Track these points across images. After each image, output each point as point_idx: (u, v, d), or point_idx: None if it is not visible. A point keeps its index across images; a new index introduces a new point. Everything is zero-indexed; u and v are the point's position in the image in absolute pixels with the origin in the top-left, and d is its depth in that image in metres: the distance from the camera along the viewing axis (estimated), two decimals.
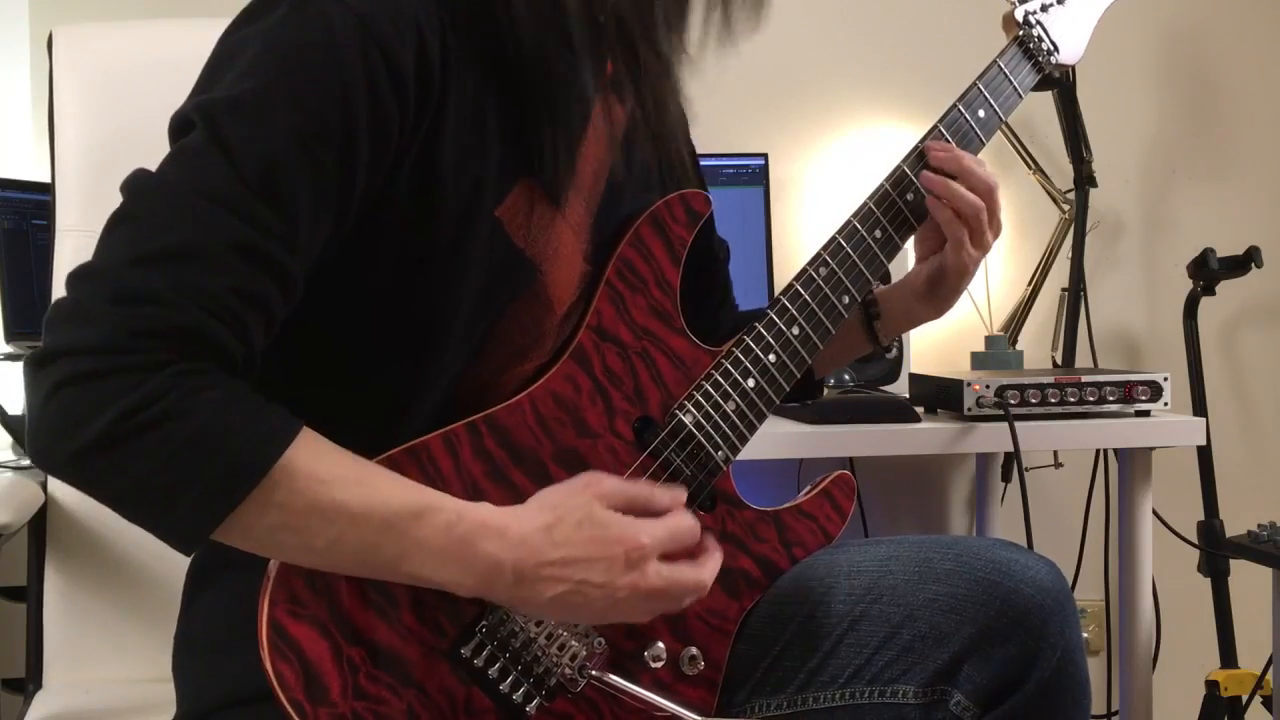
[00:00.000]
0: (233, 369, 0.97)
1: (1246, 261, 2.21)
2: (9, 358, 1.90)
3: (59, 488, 1.65)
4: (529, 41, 1.08)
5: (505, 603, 1.06)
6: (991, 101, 1.34)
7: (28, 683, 1.67)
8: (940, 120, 1.32)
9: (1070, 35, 1.41)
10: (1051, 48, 1.39)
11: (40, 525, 1.68)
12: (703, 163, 2.27)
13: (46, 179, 1.68)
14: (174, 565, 1.17)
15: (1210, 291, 2.29)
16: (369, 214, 1.04)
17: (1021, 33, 1.37)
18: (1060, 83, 2.28)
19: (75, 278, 0.95)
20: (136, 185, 0.98)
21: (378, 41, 1.00)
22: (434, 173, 1.05)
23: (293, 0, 1.01)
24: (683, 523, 1.10)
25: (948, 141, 1.30)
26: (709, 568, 1.11)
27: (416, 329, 1.09)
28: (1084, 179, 2.38)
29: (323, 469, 0.98)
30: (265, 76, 0.98)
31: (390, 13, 1.01)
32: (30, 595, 1.68)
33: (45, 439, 0.93)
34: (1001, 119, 1.35)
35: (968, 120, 1.32)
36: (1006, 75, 1.35)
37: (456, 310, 1.09)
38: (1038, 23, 1.38)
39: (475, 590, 1.03)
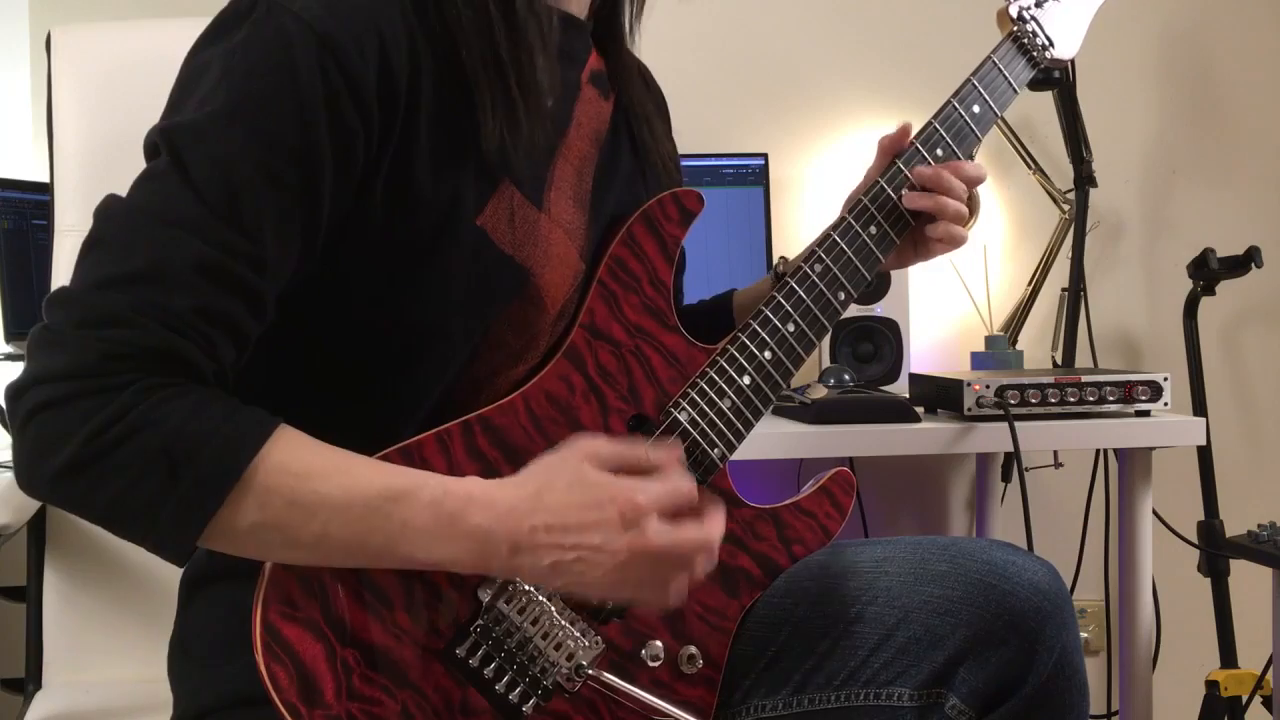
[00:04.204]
0: (203, 382, 0.98)
1: (1246, 261, 2.21)
2: (9, 358, 1.90)
3: None
4: (475, 36, 1.08)
5: (506, 574, 1.05)
6: (986, 97, 1.34)
7: (28, 683, 1.67)
8: (934, 116, 1.32)
9: (1066, 29, 1.41)
10: (1046, 42, 1.39)
11: (40, 525, 1.69)
12: (702, 163, 2.31)
13: (46, 179, 1.69)
14: (173, 566, 1.17)
15: (1210, 291, 2.29)
16: (347, 230, 1.05)
17: (1016, 28, 1.37)
18: (1060, 83, 2.28)
19: (48, 304, 0.97)
20: (105, 211, 1.00)
21: (337, 59, 1.00)
22: (410, 187, 1.06)
23: (254, 19, 1.01)
24: (680, 482, 1.06)
25: (942, 136, 1.31)
26: (714, 527, 1.07)
27: (408, 340, 1.09)
28: (1084, 179, 2.38)
29: (299, 463, 0.98)
30: (225, 100, 0.99)
31: (351, 28, 1.01)
32: (30, 595, 1.69)
33: (25, 466, 0.95)
34: (997, 114, 1.35)
35: (962, 116, 1.32)
36: (1001, 70, 1.35)
37: (447, 321, 1.09)
38: (1032, 18, 1.38)
39: (473, 566, 1.02)
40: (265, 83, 0.99)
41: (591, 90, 1.22)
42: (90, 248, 0.98)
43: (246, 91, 0.99)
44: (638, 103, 1.29)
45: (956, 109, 1.32)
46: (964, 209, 1.30)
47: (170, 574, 1.11)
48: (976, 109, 1.33)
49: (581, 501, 1.02)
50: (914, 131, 1.32)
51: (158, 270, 0.96)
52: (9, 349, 1.93)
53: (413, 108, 1.05)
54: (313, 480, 0.98)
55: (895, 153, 1.32)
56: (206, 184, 0.97)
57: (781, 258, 1.28)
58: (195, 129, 0.99)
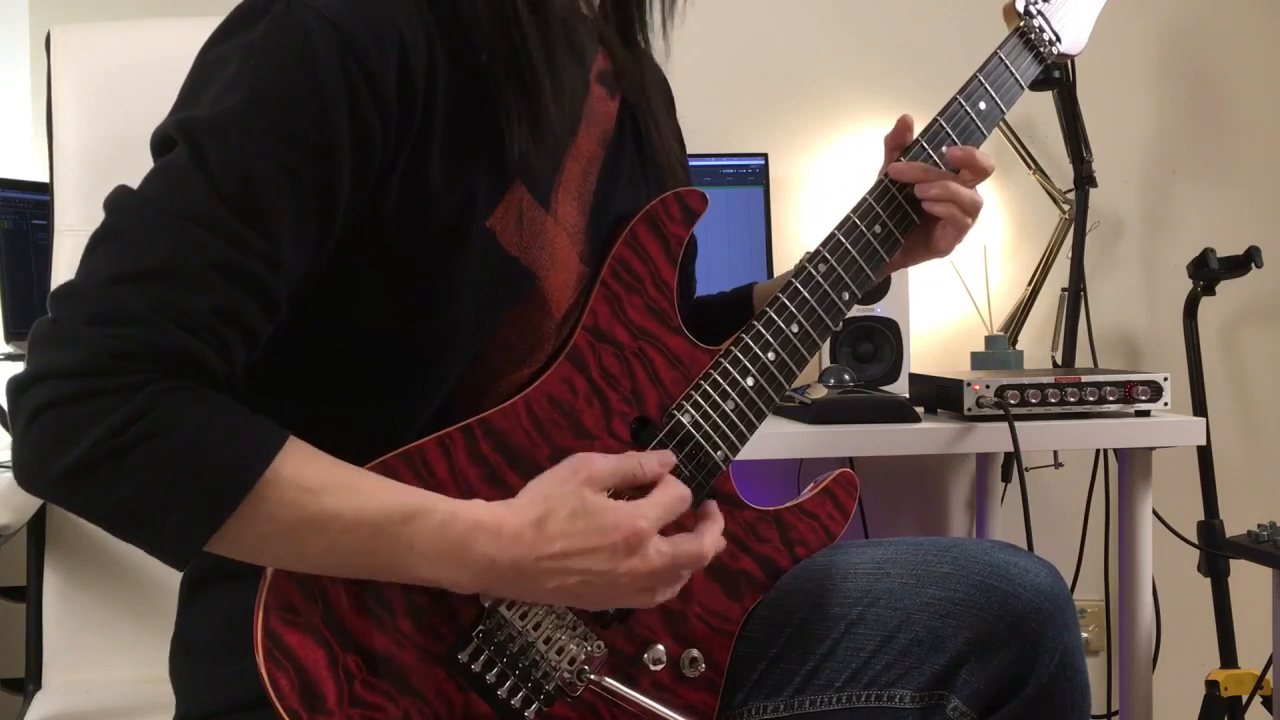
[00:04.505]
0: (216, 386, 0.97)
1: (1246, 261, 2.21)
2: (9, 358, 1.90)
3: None
4: (497, 38, 1.07)
5: (507, 597, 1.06)
6: (992, 93, 1.33)
7: (27, 683, 1.67)
8: (940, 113, 1.31)
9: (1073, 25, 1.39)
10: (1053, 37, 1.38)
11: (40, 525, 1.68)
12: (702, 163, 2.31)
13: (46, 179, 1.69)
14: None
15: (1210, 291, 2.29)
16: (360, 230, 1.04)
17: (1022, 23, 1.36)
18: (1060, 83, 2.28)
19: (56, 298, 0.95)
20: (118, 203, 0.98)
21: (358, 57, 0.99)
22: (424, 188, 1.05)
23: (273, 15, 1.00)
24: (674, 492, 1.10)
25: (948, 133, 1.30)
26: (709, 536, 1.12)
27: (416, 341, 1.08)
28: (1084, 179, 2.38)
29: (311, 477, 0.98)
30: (245, 95, 0.98)
31: (372, 26, 1.00)
32: (30, 595, 1.69)
33: (29, 463, 0.93)
34: (1003, 110, 1.34)
35: (968, 112, 1.31)
36: (1007, 66, 1.34)
37: (454, 323, 1.09)
38: (1039, 13, 1.37)
39: (474, 587, 1.03)
40: (285, 79, 0.98)
41: (599, 89, 1.22)
42: (101, 240, 0.97)
43: (266, 87, 0.98)
44: (646, 99, 1.28)
45: (963, 106, 1.31)
46: (977, 196, 1.29)
47: (171, 574, 1.11)
48: (983, 105, 1.32)
49: (585, 529, 1.04)
50: (919, 128, 1.31)
51: (175, 268, 0.94)
52: (9, 349, 1.93)
53: (429, 107, 1.04)
54: (323, 496, 0.97)
55: (898, 147, 1.31)
56: (225, 180, 0.96)
57: (808, 251, 1.27)
58: (213, 123, 0.97)
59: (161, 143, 1.00)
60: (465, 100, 1.07)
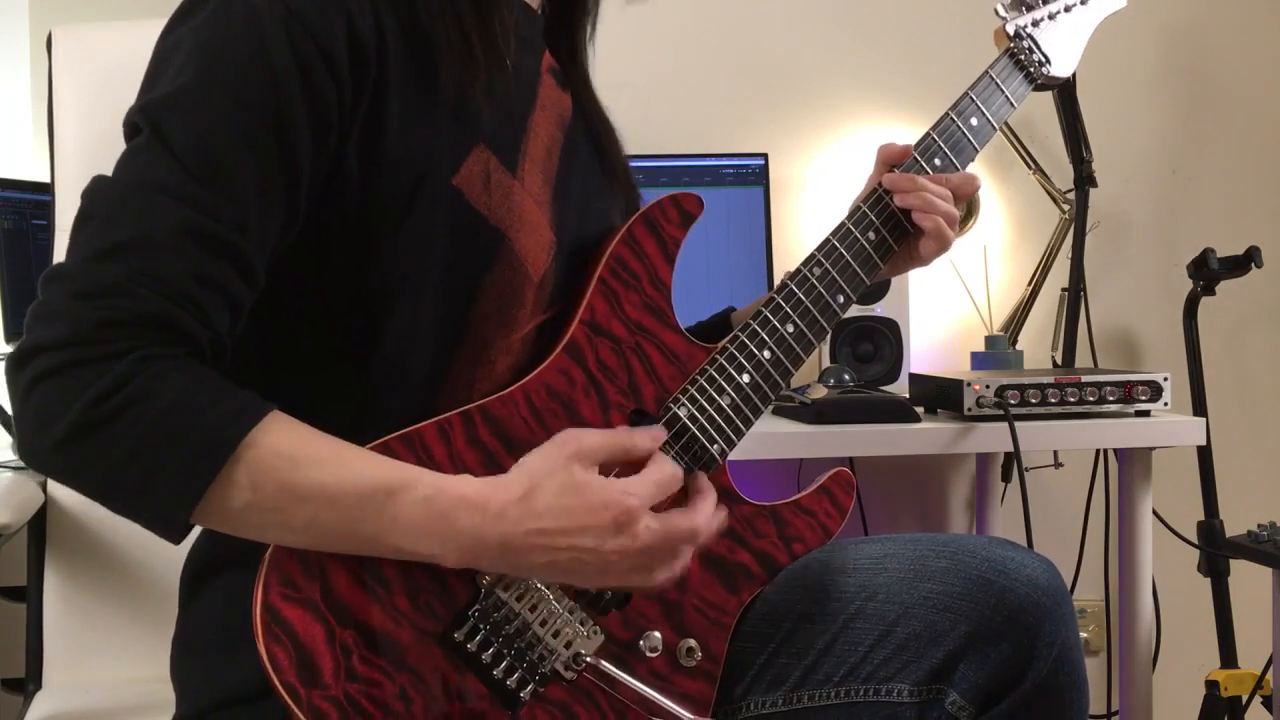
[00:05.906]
0: (200, 354, 0.99)
1: (1246, 261, 2.21)
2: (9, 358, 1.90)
3: (58, 488, 1.66)
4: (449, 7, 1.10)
5: (497, 571, 1.06)
6: (984, 110, 1.35)
7: (27, 683, 1.67)
8: (933, 128, 1.34)
9: (1063, 48, 1.42)
10: (1043, 59, 1.41)
11: (40, 525, 1.68)
12: (702, 163, 2.31)
13: (46, 179, 1.69)
14: (173, 565, 1.17)
15: (1210, 291, 2.29)
16: (325, 197, 1.06)
17: (1012, 45, 1.39)
18: (1060, 83, 2.29)
19: (44, 280, 0.99)
20: (92, 190, 1.01)
21: (305, 26, 1.02)
22: (384, 150, 1.07)
23: None
24: (665, 469, 1.11)
25: (940, 147, 1.32)
26: (701, 512, 1.12)
27: (389, 307, 1.09)
28: (1084, 179, 2.38)
29: (293, 447, 0.99)
30: (198, 71, 1.01)
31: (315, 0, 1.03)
32: (30, 595, 1.69)
33: (26, 436, 0.96)
34: (995, 127, 1.37)
35: (960, 128, 1.34)
36: (998, 85, 1.37)
37: (425, 282, 1.09)
38: (1029, 36, 1.40)
39: (460, 561, 1.04)
40: (236, 53, 1.01)
41: (550, 79, 1.24)
42: (79, 225, 1.00)
43: (218, 62, 1.01)
44: (593, 105, 1.30)
45: (955, 122, 1.34)
46: (953, 210, 1.30)
47: (171, 574, 1.12)
48: (974, 121, 1.35)
49: (572, 506, 1.05)
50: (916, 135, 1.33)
51: (144, 237, 0.97)
52: (9, 349, 1.93)
53: (382, 72, 1.06)
54: (306, 466, 0.99)
55: (895, 164, 1.32)
56: (186, 151, 0.99)
57: (787, 273, 1.29)
58: (171, 101, 1.01)
59: (129, 130, 1.03)
60: (418, 60, 1.09)
